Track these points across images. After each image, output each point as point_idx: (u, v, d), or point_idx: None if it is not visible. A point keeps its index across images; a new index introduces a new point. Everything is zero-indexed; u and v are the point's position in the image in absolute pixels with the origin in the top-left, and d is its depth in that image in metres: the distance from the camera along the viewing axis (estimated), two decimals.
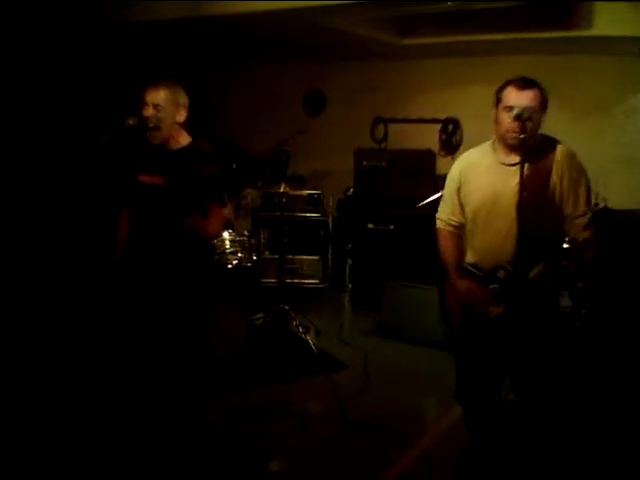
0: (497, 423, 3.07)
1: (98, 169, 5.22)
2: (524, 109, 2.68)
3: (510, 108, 2.72)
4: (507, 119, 2.74)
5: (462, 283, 2.96)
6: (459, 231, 3.09)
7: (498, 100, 2.81)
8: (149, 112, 3.08)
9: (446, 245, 3.11)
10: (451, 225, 3.11)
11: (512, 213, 2.74)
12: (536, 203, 2.72)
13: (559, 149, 2.82)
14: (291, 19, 5.16)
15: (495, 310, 2.84)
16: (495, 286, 2.84)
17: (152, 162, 3.18)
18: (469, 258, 3.02)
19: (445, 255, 3.10)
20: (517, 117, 2.67)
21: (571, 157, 2.84)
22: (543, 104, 2.78)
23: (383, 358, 5.01)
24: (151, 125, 3.08)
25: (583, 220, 2.80)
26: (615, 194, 5.50)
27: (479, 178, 2.93)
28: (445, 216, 3.13)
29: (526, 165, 2.70)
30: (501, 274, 2.82)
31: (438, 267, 3.15)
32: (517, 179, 2.70)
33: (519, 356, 2.89)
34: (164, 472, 3.14)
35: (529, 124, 2.67)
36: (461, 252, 3.07)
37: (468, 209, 2.99)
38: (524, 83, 2.76)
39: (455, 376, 3.15)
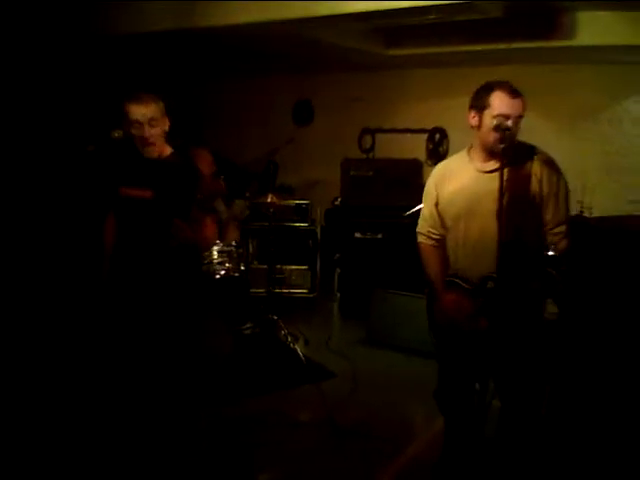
0: (475, 427, 3.04)
1: (83, 181, 5.21)
2: (514, 132, 2.69)
3: (504, 117, 2.68)
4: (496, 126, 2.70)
5: (449, 298, 2.93)
6: (441, 244, 3.06)
7: (484, 106, 2.75)
8: (148, 131, 3.06)
9: (429, 260, 3.09)
10: (432, 239, 3.08)
11: (493, 220, 2.69)
12: (516, 209, 2.71)
13: (538, 155, 2.80)
14: (279, 31, 5.19)
15: (485, 322, 2.79)
16: (483, 299, 2.80)
17: (136, 174, 3.18)
18: (453, 269, 2.99)
19: (429, 270, 3.07)
20: (504, 129, 2.65)
21: (550, 163, 2.82)
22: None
23: (372, 367, 5.02)
24: (151, 141, 3.08)
25: (562, 228, 2.79)
26: (600, 202, 5.55)
27: (456, 187, 2.92)
28: (425, 230, 3.11)
29: (505, 171, 2.67)
30: (490, 285, 2.78)
31: (425, 278, 3.15)
32: (496, 185, 2.65)
33: (507, 364, 2.89)
34: None
35: (509, 133, 2.66)
36: (445, 264, 3.04)
37: (448, 219, 2.97)
38: (514, 91, 2.73)
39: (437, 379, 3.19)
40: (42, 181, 6.02)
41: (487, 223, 2.75)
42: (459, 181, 2.92)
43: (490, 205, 2.71)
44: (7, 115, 5.99)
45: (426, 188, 3.10)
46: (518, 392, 2.94)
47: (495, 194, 2.64)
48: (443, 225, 3.02)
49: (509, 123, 2.68)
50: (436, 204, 3.02)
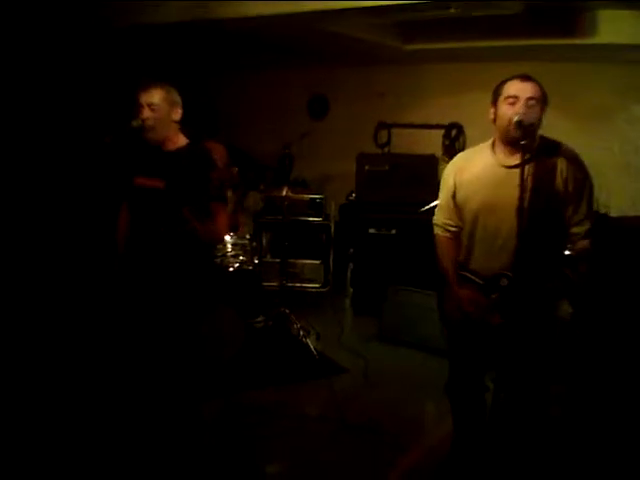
0: (483, 418, 3.04)
1: (99, 172, 5.24)
2: (525, 114, 2.63)
3: (514, 97, 2.66)
4: (509, 110, 2.67)
5: (463, 292, 2.90)
6: (457, 236, 2.99)
7: (498, 95, 2.74)
8: (146, 113, 3.11)
9: (444, 252, 3.03)
10: (449, 231, 3.02)
11: (513, 216, 2.61)
12: (538, 206, 2.64)
13: (563, 151, 2.72)
14: (295, 23, 5.17)
15: (497, 318, 2.77)
16: (497, 295, 2.77)
17: (150, 164, 3.20)
18: (465, 263, 2.94)
19: (444, 262, 3.02)
20: (518, 124, 2.61)
21: (576, 159, 2.75)
22: (544, 100, 2.72)
23: (383, 363, 5.01)
24: (149, 126, 3.10)
25: (581, 228, 2.72)
26: (617, 201, 5.50)
27: (477, 180, 2.85)
28: (442, 221, 3.05)
29: (529, 167, 2.62)
30: (504, 282, 2.74)
31: (438, 272, 3.12)
32: (518, 181, 2.56)
33: (515, 360, 2.82)
34: (161, 471, 3.15)
35: (532, 123, 2.64)
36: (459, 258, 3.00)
37: (466, 212, 2.90)
38: (524, 76, 2.72)
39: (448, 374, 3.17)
40: (59, 173, 6.05)
41: (506, 219, 2.69)
42: (480, 174, 2.84)
43: (511, 201, 2.62)
44: (26, 106, 6.02)
45: (444, 177, 3.03)
46: (522, 389, 2.89)
47: (517, 190, 2.54)
48: (460, 217, 2.95)
49: (519, 105, 2.65)
50: (453, 195, 2.95)
